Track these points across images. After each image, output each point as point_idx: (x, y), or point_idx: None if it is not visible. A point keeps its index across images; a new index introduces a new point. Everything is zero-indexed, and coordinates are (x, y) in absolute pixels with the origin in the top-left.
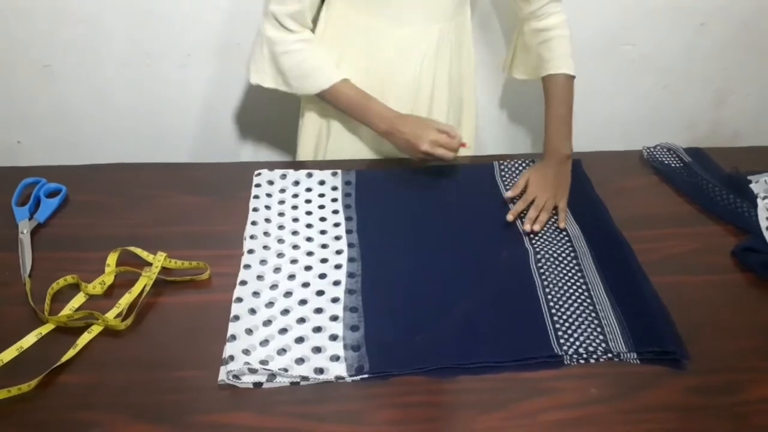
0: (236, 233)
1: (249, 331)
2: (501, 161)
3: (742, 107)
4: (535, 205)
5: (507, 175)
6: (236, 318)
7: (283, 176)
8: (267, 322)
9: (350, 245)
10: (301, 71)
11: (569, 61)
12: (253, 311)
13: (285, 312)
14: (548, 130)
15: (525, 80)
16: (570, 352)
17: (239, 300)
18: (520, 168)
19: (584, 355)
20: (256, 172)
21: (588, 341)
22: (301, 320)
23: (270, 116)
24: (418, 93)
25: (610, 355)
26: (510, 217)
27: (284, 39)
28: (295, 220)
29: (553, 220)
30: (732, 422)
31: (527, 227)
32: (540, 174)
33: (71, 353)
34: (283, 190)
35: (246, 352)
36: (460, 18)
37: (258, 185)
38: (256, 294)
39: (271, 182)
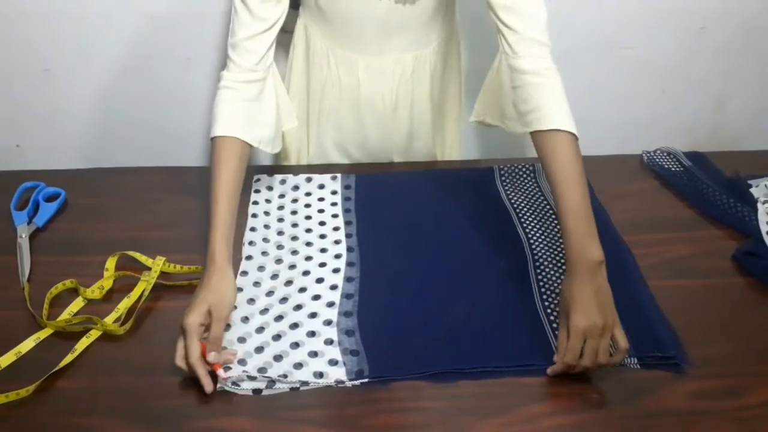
0: (237, 238)
1: (242, 340)
2: (501, 165)
3: (742, 111)
4: (589, 353)
5: (507, 180)
6: (227, 327)
7: (283, 181)
8: (260, 329)
9: (349, 249)
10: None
11: (570, 116)
12: (246, 319)
13: (279, 318)
14: (567, 227)
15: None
16: None
17: (233, 307)
18: (521, 172)
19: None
20: (255, 178)
21: None
22: (295, 325)
23: None
24: (396, 116)
25: None
26: (549, 372)
27: (221, 75)
28: (294, 225)
29: (552, 222)
30: (734, 427)
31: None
32: (580, 298)
33: (69, 358)
34: (282, 195)
35: (242, 362)
36: (440, 43)
37: (257, 191)
38: (251, 301)
39: (270, 188)
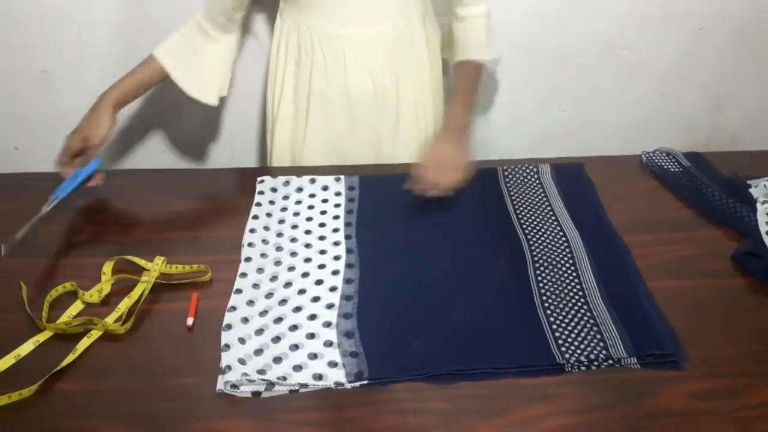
0: (237, 240)
1: (242, 341)
2: (505, 167)
3: (740, 111)
4: (433, 185)
5: (510, 180)
6: (228, 327)
7: (286, 183)
8: (259, 331)
9: (349, 251)
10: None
11: (482, 49)
12: (245, 320)
13: (278, 320)
14: (448, 103)
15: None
16: (572, 361)
17: (233, 309)
18: (525, 173)
19: (585, 363)
20: (259, 179)
21: (589, 349)
22: (294, 327)
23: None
24: (383, 98)
25: (611, 361)
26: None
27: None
28: (294, 227)
29: (553, 224)
30: (733, 427)
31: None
32: (438, 150)
33: (71, 358)
34: (286, 197)
35: (242, 361)
36: (418, 18)
37: (261, 192)
38: (250, 303)
39: (274, 189)
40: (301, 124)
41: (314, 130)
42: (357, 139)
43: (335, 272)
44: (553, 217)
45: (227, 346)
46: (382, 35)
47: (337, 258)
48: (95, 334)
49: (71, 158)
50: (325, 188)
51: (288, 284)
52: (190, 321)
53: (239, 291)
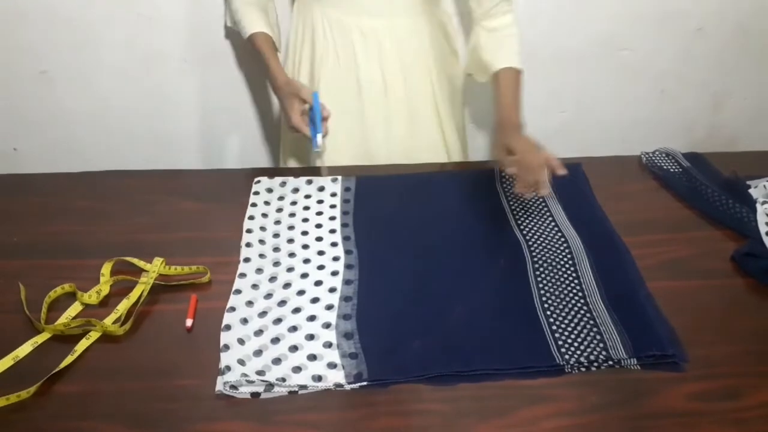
0: (236, 240)
1: (241, 341)
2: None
3: (739, 111)
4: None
5: (507, 181)
6: (228, 327)
7: (283, 184)
8: (258, 332)
9: (347, 252)
10: (234, 20)
11: (517, 57)
12: (245, 321)
13: (277, 321)
14: (499, 108)
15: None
16: (571, 362)
17: (232, 309)
18: None
19: (585, 364)
20: (256, 180)
21: (588, 350)
22: (293, 328)
23: (270, 121)
24: (392, 92)
25: (610, 362)
26: (518, 190)
27: None
28: (291, 228)
29: (551, 224)
30: (733, 428)
31: (545, 192)
32: (516, 139)
33: (70, 359)
34: (281, 198)
35: (241, 362)
36: (429, 18)
37: (256, 193)
38: (250, 303)
39: (270, 190)
40: None
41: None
42: (369, 129)
43: (334, 273)
44: (551, 218)
45: (226, 347)
46: (391, 30)
47: (336, 259)
48: (94, 336)
49: (302, 118)
50: (321, 189)
51: (287, 285)
52: (189, 322)
53: (238, 292)
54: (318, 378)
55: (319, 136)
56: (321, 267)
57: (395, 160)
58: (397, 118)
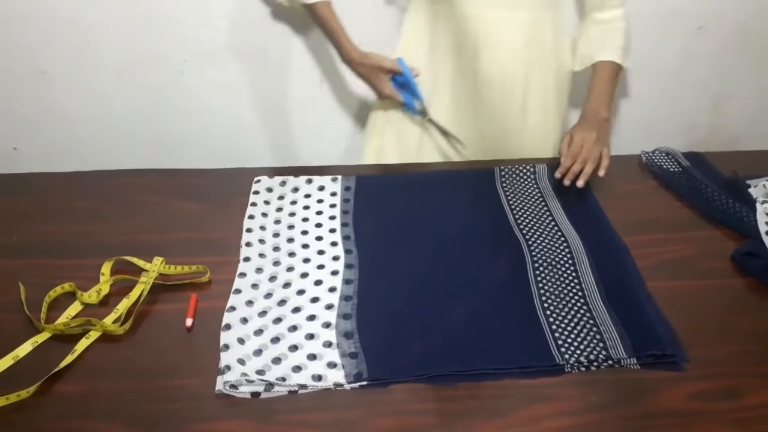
0: (236, 240)
1: (241, 341)
2: (502, 167)
3: (739, 111)
4: (582, 159)
5: (507, 181)
6: (227, 327)
7: (283, 183)
8: (258, 332)
9: (347, 251)
10: None
11: (619, 52)
12: (245, 320)
13: (277, 321)
14: (589, 98)
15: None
16: (571, 362)
17: (232, 309)
18: (521, 173)
19: (585, 363)
20: (256, 179)
21: (588, 349)
22: (293, 328)
23: (270, 121)
24: (512, 86)
25: (610, 362)
26: (558, 174)
27: None
28: (291, 227)
29: (551, 224)
30: (733, 428)
31: (567, 182)
32: (583, 132)
33: (69, 359)
34: (281, 197)
35: (241, 361)
36: (550, 12)
37: (256, 192)
38: (249, 303)
39: (269, 189)
40: (394, 133)
41: (443, 107)
42: (488, 123)
43: (334, 273)
44: (551, 218)
45: (226, 347)
46: (511, 23)
47: (336, 258)
48: (94, 335)
49: (391, 83)
50: (321, 188)
51: (287, 284)
52: (189, 321)
53: (238, 291)
54: (318, 377)
55: (417, 102)
56: (321, 266)
57: (510, 155)
58: (517, 111)
